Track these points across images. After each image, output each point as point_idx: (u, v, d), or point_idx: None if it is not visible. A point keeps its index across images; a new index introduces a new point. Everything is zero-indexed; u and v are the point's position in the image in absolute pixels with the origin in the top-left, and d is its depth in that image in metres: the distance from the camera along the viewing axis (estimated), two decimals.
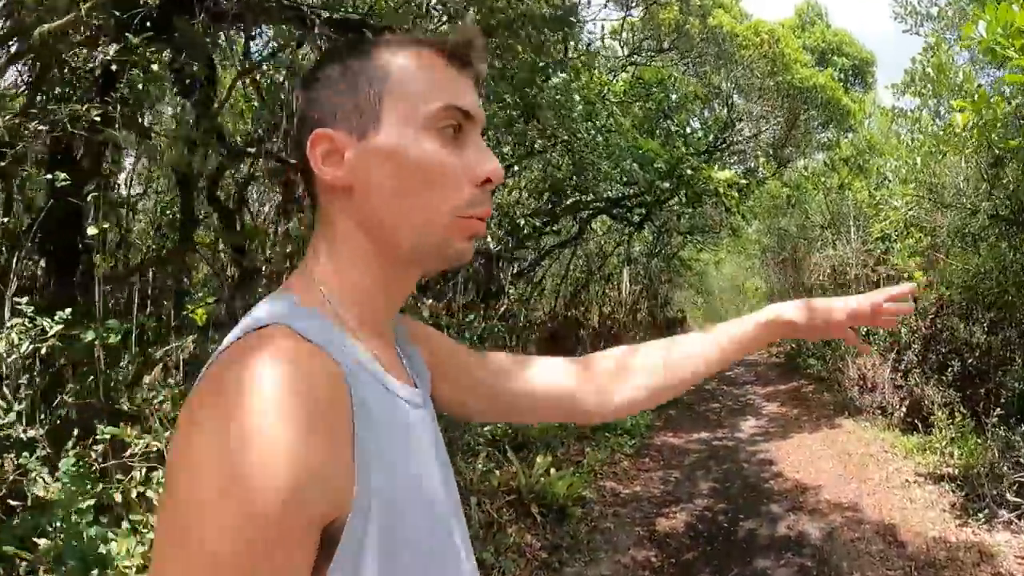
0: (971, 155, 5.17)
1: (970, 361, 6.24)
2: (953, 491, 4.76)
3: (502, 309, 6.85)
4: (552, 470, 4.55)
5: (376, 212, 0.59)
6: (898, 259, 8.69)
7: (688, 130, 10.15)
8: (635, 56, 9.42)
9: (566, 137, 5.77)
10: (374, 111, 0.58)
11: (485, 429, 4.80)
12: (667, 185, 7.02)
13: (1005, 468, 4.42)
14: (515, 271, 7.71)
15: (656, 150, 6.54)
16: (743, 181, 7.14)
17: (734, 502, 5.28)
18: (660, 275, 14.78)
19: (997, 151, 4.57)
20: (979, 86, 4.72)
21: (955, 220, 6.48)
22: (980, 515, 4.22)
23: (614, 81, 8.66)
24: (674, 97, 8.36)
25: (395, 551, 0.51)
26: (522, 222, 6.92)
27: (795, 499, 5.25)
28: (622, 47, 9.87)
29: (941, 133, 6.51)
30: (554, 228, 8.48)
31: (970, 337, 6.46)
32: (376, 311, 0.62)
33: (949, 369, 6.27)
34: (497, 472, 4.50)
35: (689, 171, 6.88)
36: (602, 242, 11.67)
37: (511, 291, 7.44)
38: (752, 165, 10.43)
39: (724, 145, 10.42)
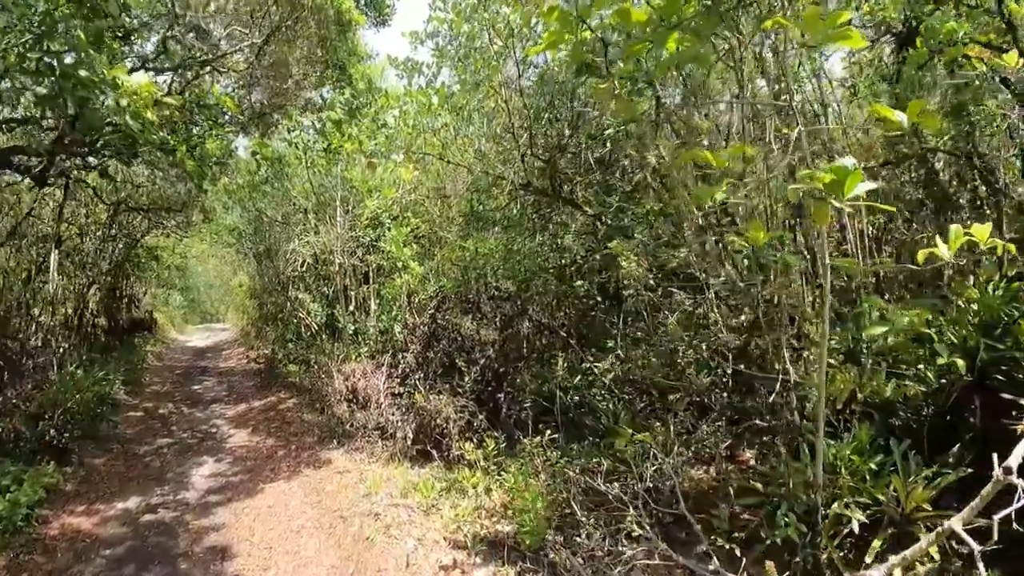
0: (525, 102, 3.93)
1: (482, 361, 5.19)
2: (521, 573, 3.21)
3: None
4: None
5: None
6: (391, 247, 7.52)
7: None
8: None
9: None
10: None
11: None
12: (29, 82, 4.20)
13: (591, 521, 3.12)
14: None
15: None
16: (168, 98, 4.52)
17: None
18: (120, 266, 12.21)
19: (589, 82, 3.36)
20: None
21: (474, 198, 5.42)
22: None
23: None
24: None
25: None
26: None
27: None
28: None
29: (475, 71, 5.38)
30: None
31: (477, 334, 5.46)
32: None
33: (463, 376, 5.08)
34: None
35: (68, 59, 4.11)
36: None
37: None
38: (224, 114, 7.63)
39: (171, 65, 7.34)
